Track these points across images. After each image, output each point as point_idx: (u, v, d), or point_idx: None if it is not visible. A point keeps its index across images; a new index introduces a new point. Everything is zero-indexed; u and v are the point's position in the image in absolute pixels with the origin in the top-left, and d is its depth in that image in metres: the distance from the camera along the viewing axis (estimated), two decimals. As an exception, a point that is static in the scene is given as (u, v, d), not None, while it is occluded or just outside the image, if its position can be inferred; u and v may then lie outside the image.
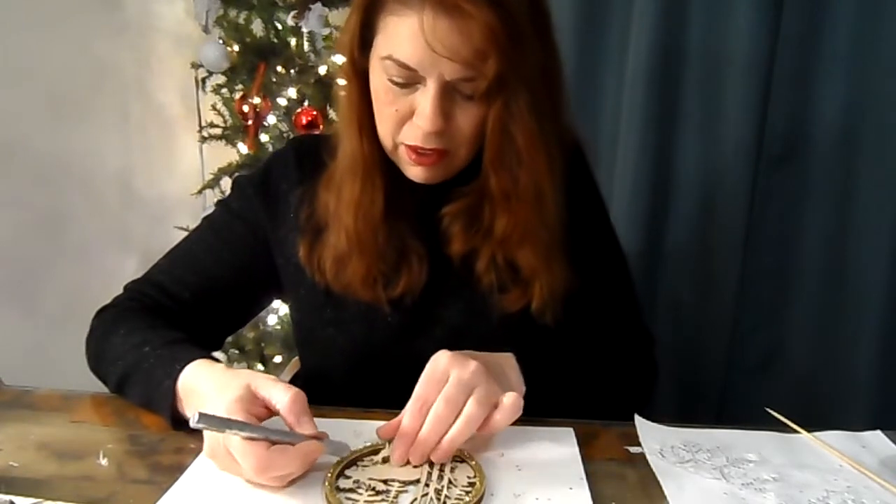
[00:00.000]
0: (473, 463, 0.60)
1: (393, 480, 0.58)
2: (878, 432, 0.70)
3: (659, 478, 0.60)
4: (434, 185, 0.77)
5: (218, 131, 1.83)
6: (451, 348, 0.78)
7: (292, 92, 1.75)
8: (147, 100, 1.90)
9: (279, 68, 1.74)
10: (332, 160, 0.79)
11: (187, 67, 1.83)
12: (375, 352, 0.79)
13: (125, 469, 0.61)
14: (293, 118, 1.70)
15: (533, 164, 0.72)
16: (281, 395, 0.57)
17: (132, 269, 1.79)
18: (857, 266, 1.36)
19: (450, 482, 0.58)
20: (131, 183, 1.86)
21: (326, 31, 1.70)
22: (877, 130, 1.32)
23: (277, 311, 1.79)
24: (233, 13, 1.77)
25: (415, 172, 0.75)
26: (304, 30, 1.70)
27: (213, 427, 0.54)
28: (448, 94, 0.68)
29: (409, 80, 0.68)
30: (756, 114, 1.33)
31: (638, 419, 0.70)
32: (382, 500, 0.55)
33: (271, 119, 1.79)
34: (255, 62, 1.73)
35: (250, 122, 1.74)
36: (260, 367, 1.86)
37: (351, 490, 0.57)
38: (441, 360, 0.61)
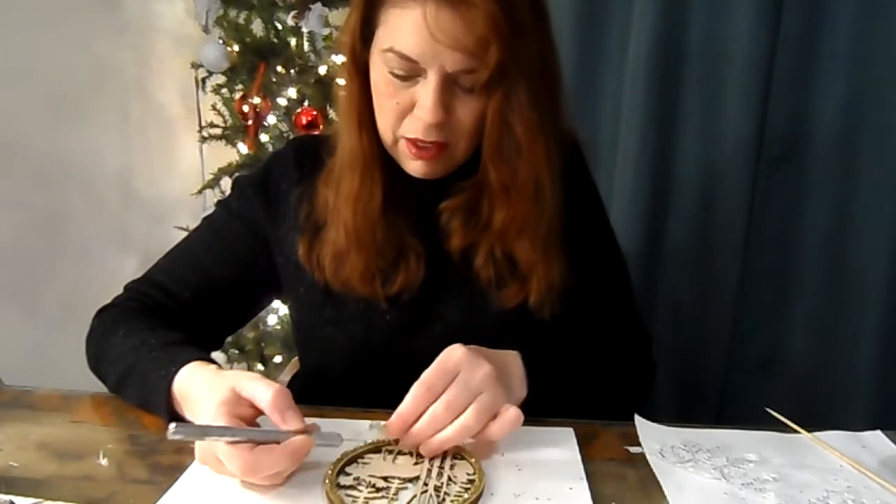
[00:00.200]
0: (473, 460, 0.60)
1: (393, 477, 0.58)
2: (878, 432, 0.70)
3: (659, 478, 0.60)
4: (432, 182, 0.77)
5: (218, 131, 1.83)
6: (449, 346, 0.78)
7: (292, 92, 1.75)
8: (147, 100, 1.90)
9: (279, 68, 1.74)
10: (331, 159, 0.80)
11: (187, 67, 1.83)
12: (375, 350, 0.79)
13: (125, 469, 0.61)
14: (293, 118, 1.71)
15: (532, 155, 0.72)
16: (264, 392, 0.57)
17: (132, 269, 1.79)
18: (857, 266, 1.36)
19: (449, 479, 0.58)
20: (131, 183, 1.86)
21: (326, 31, 1.70)
22: (877, 130, 1.32)
23: (277, 311, 1.79)
24: (233, 13, 1.77)
25: (414, 167, 0.75)
26: (304, 30, 1.70)
27: (190, 437, 0.54)
28: (449, 87, 0.69)
29: (411, 72, 0.69)
30: (756, 114, 1.33)
31: (638, 419, 0.70)
32: (383, 496, 0.56)
33: (271, 119, 1.79)
34: (255, 62, 1.73)
35: (250, 122, 1.74)
36: (260, 367, 1.86)
37: (351, 487, 0.57)
38: (455, 354, 0.61)
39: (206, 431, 0.54)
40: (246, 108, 1.73)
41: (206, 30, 1.85)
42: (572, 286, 0.78)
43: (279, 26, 1.74)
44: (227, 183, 1.78)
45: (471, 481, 0.57)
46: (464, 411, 0.59)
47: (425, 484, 0.57)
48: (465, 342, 0.75)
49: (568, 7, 1.39)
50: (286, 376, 1.16)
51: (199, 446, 0.57)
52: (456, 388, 0.59)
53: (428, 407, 0.59)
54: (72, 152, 1.64)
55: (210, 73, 1.79)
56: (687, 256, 1.45)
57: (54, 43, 1.56)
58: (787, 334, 1.44)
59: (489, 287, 0.78)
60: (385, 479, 0.58)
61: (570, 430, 0.68)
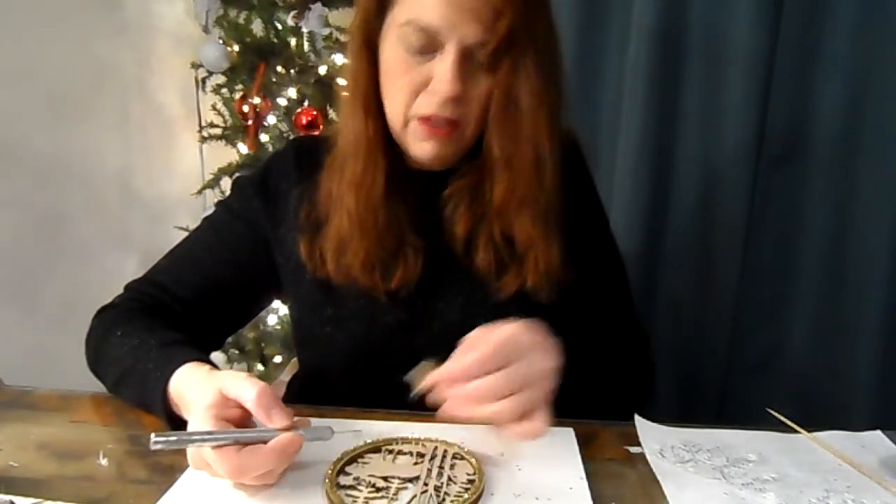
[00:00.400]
0: (473, 460, 0.60)
1: (393, 477, 0.58)
2: (878, 432, 0.70)
3: (659, 478, 0.60)
4: (431, 176, 0.78)
5: (218, 131, 1.83)
6: (448, 345, 0.78)
7: (292, 92, 1.75)
8: (147, 100, 1.90)
9: (279, 68, 1.74)
10: (332, 153, 0.80)
11: (187, 67, 1.83)
12: (374, 349, 0.79)
13: (125, 469, 0.61)
14: (293, 118, 1.71)
15: (535, 128, 0.74)
16: (248, 392, 0.56)
17: (132, 269, 1.79)
18: (857, 266, 1.36)
19: (449, 479, 0.58)
20: (131, 183, 1.86)
21: (326, 31, 1.70)
22: (877, 130, 1.32)
23: (277, 311, 1.79)
24: (233, 13, 1.77)
25: (424, 149, 0.75)
26: (304, 30, 1.70)
27: (172, 445, 0.54)
28: (464, 63, 0.71)
29: (428, 46, 0.70)
30: (756, 114, 1.33)
31: (638, 419, 0.70)
32: (382, 496, 0.56)
33: (271, 119, 1.79)
34: (255, 62, 1.73)
35: (250, 122, 1.74)
36: (260, 367, 1.86)
37: (351, 487, 0.57)
38: (522, 339, 0.60)
39: (188, 438, 0.54)
40: (246, 108, 1.73)
41: (206, 30, 1.85)
42: (570, 283, 0.78)
43: (279, 26, 1.74)
44: (227, 183, 1.78)
45: (471, 481, 0.57)
46: (504, 398, 0.57)
47: (425, 484, 0.57)
48: None
49: (569, 6, 1.39)
50: (286, 376, 1.16)
51: (191, 452, 0.56)
52: (507, 376, 0.57)
53: (479, 375, 0.57)
54: (72, 152, 1.64)
55: (210, 73, 1.79)
56: (687, 256, 1.45)
57: (54, 43, 1.56)
58: (787, 334, 1.44)
59: (489, 278, 0.78)
60: (385, 478, 0.58)
61: (570, 430, 0.68)
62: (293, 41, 1.73)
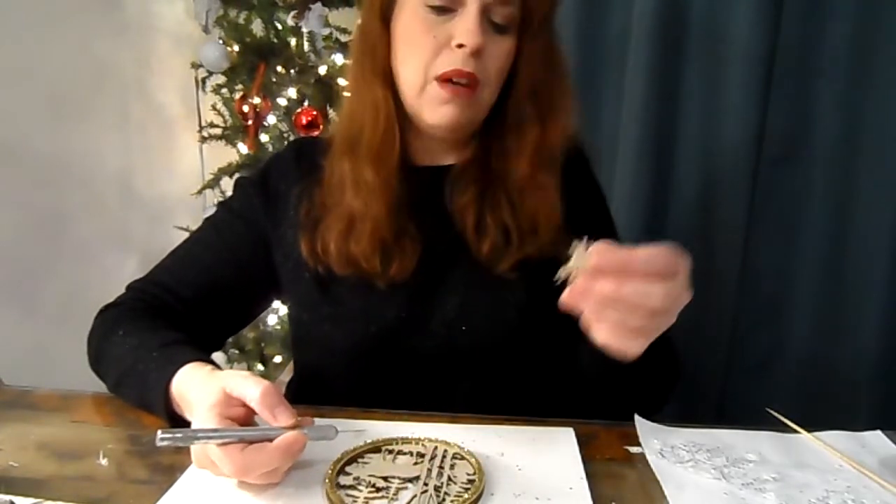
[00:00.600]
0: (473, 460, 0.60)
1: (393, 477, 0.58)
2: (878, 432, 0.70)
3: (659, 478, 0.60)
4: (432, 173, 0.80)
5: (218, 131, 1.83)
6: (447, 343, 0.78)
7: (292, 92, 1.75)
8: (147, 100, 1.90)
9: (279, 68, 1.74)
10: (334, 146, 0.82)
11: (187, 67, 1.83)
12: (372, 347, 0.79)
13: (125, 469, 0.61)
14: (293, 118, 1.71)
15: (559, 90, 0.80)
16: (252, 390, 0.56)
17: (132, 269, 1.79)
18: (857, 266, 1.36)
19: (449, 479, 0.58)
20: (131, 183, 1.86)
21: (326, 31, 1.70)
22: (877, 130, 1.32)
23: (277, 311, 1.79)
24: (233, 13, 1.77)
25: (442, 113, 0.76)
26: (304, 30, 1.70)
27: (178, 443, 0.54)
28: (484, 19, 0.73)
29: (449, 3, 0.73)
30: (756, 113, 1.33)
31: (638, 419, 0.70)
32: (382, 496, 0.56)
33: (271, 119, 1.79)
34: (255, 62, 1.73)
35: (250, 122, 1.74)
36: (260, 367, 1.86)
37: (351, 487, 0.57)
38: (682, 262, 0.57)
39: (194, 435, 0.54)
40: (246, 108, 1.73)
41: (206, 30, 1.85)
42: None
43: (279, 26, 1.74)
44: (227, 183, 1.78)
45: (471, 481, 0.57)
46: (640, 312, 0.54)
47: (425, 484, 0.57)
48: (463, 341, 0.75)
49: (569, 6, 1.39)
50: (286, 376, 1.16)
51: (195, 450, 0.56)
52: (663, 293, 0.54)
53: (645, 271, 0.54)
54: (72, 152, 1.64)
55: (210, 73, 1.79)
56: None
57: (54, 43, 1.56)
58: (787, 334, 1.44)
59: (492, 263, 0.78)
60: (385, 478, 0.58)
61: (570, 430, 0.68)
62: (293, 41, 1.73)
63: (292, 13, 1.68)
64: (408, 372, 0.79)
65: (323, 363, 0.83)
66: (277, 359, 1.84)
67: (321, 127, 1.67)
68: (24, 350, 1.44)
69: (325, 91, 1.70)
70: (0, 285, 1.45)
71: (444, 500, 0.55)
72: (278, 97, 1.76)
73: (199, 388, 0.61)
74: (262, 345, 1.84)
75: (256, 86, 1.71)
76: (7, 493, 0.55)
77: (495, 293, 0.78)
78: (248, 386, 0.57)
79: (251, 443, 0.54)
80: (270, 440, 0.55)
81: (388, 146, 0.78)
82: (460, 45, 0.73)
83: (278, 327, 1.81)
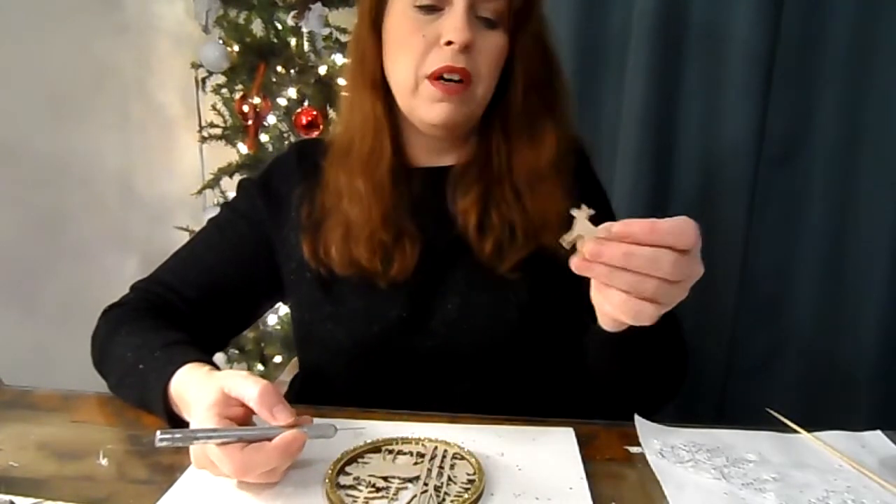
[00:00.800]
0: (473, 460, 0.60)
1: (393, 477, 0.58)
2: (878, 432, 0.70)
3: (659, 478, 0.60)
4: (431, 173, 0.80)
5: (218, 131, 1.83)
6: (448, 343, 0.78)
7: (292, 92, 1.75)
8: (147, 100, 1.90)
9: (279, 68, 1.74)
10: (332, 148, 0.83)
11: (187, 67, 1.83)
12: (374, 346, 0.79)
13: (125, 469, 0.61)
14: (293, 118, 1.71)
15: (559, 82, 0.81)
16: (250, 390, 0.56)
17: (132, 269, 1.79)
18: (857, 266, 1.36)
19: (449, 479, 0.58)
20: (131, 183, 1.86)
21: (326, 31, 1.70)
22: (877, 130, 1.32)
23: (277, 311, 1.79)
24: (233, 13, 1.77)
25: (436, 111, 0.76)
26: (304, 30, 1.70)
27: (177, 443, 0.54)
28: (472, 17, 0.74)
29: (437, 1, 0.73)
30: (756, 113, 1.33)
31: (638, 419, 0.70)
32: (382, 496, 0.56)
33: (271, 119, 1.79)
34: (255, 62, 1.73)
35: (250, 122, 1.74)
36: (260, 367, 1.86)
37: (351, 487, 0.57)
38: (697, 234, 0.54)
39: (193, 435, 0.54)
40: (246, 108, 1.73)
41: (206, 30, 1.85)
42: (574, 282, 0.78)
43: (279, 26, 1.74)
44: (227, 183, 1.78)
45: (471, 481, 0.57)
46: (651, 280, 0.52)
47: (425, 484, 0.57)
48: (464, 340, 0.75)
49: (569, 6, 1.39)
50: (286, 376, 1.16)
51: (194, 451, 0.56)
52: (677, 263, 0.52)
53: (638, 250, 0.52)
54: (72, 152, 1.64)
55: (210, 73, 1.79)
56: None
57: (54, 43, 1.56)
58: (787, 334, 1.44)
59: (490, 261, 0.78)
60: (385, 478, 0.58)
61: (570, 430, 0.68)
62: (293, 41, 1.73)
63: (292, 13, 1.68)
64: (409, 371, 0.79)
65: (325, 362, 0.83)
66: (277, 359, 1.84)
67: (321, 127, 1.67)
68: (24, 350, 1.44)
69: (325, 91, 1.70)
70: (0, 285, 1.45)
71: (444, 500, 0.55)
72: (278, 97, 1.76)
73: (197, 388, 0.61)
74: (262, 345, 1.84)
75: (256, 86, 1.71)
76: (7, 493, 0.55)
77: (497, 293, 0.78)
78: (246, 385, 0.57)
79: (250, 442, 0.54)
80: (269, 439, 0.55)
81: (377, 155, 0.79)
82: (449, 42, 0.73)
83: (278, 327, 1.81)
